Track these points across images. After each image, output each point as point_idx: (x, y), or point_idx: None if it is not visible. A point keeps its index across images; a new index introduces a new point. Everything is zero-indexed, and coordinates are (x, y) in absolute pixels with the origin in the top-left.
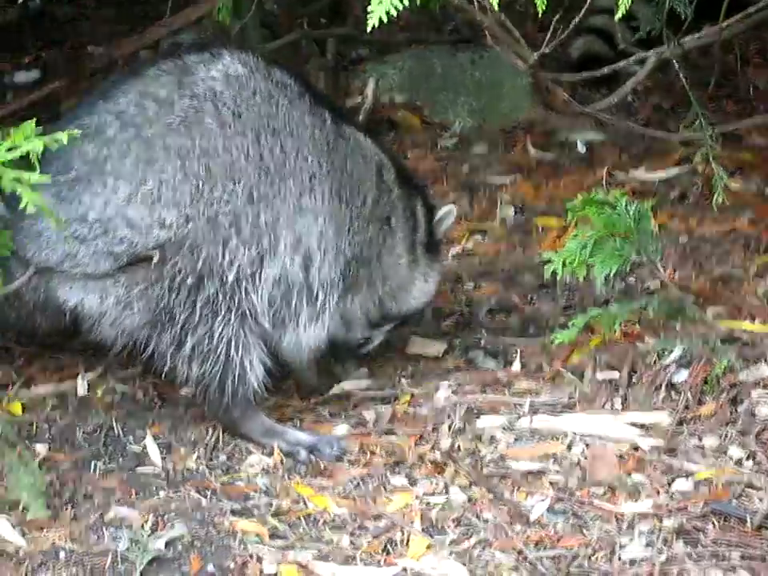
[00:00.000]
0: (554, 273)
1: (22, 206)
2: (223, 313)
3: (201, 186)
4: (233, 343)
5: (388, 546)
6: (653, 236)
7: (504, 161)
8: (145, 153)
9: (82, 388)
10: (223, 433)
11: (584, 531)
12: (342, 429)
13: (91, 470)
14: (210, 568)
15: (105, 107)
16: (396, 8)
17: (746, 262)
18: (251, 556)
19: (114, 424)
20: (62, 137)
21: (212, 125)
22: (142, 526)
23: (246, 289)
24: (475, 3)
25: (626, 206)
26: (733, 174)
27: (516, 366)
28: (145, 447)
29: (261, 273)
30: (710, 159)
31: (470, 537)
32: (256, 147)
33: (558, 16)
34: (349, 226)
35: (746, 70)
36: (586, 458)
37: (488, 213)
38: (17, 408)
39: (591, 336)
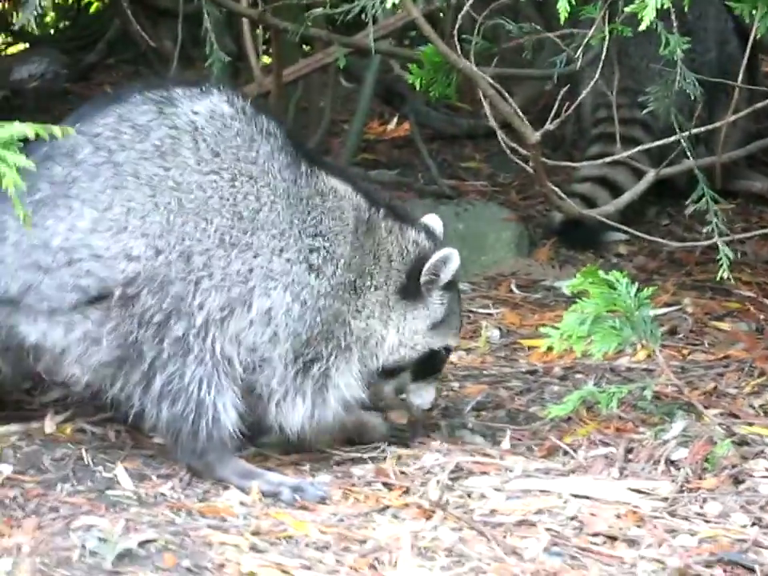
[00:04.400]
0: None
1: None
2: (195, 352)
3: (171, 218)
4: (204, 383)
5: (375, 564)
6: (652, 322)
7: (488, 297)
8: (113, 178)
9: (49, 426)
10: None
11: (582, 570)
12: (325, 477)
13: (58, 490)
14: (186, 563)
15: (80, 129)
16: None
17: (740, 383)
18: (228, 560)
19: (84, 454)
20: (56, 130)
21: (188, 158)
22: (112, 530)
23: (214, 335)
24: (478, 71)
25: (627, 286)
26: (723, 317)
27: (506, 445)
28: (116, 475)
29: (230, 323)
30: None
31: (463, 564)
32: (231, 190)
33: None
34: (315, 300)
35: None
36: (581, 513)
37: (472, 334)
38: None
39: (584, 425)
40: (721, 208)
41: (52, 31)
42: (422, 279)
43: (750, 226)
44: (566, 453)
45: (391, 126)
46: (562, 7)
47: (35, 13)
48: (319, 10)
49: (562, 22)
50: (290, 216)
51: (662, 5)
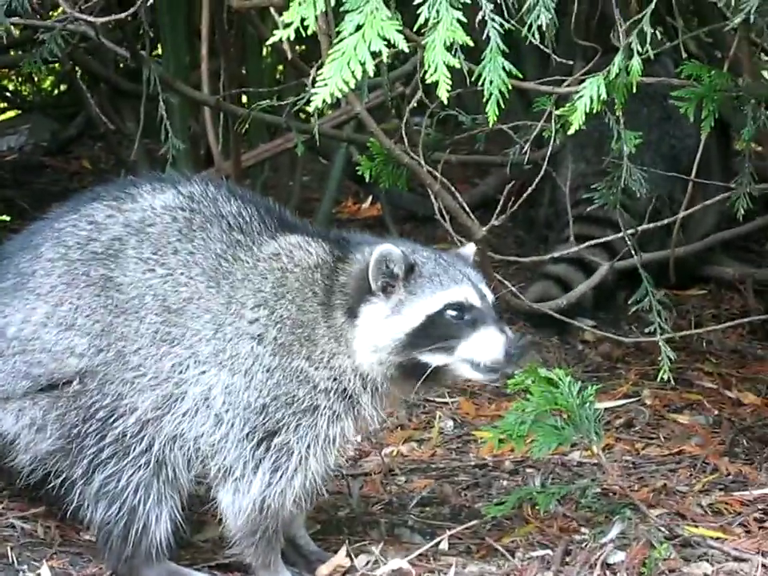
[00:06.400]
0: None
1: None
2: (134, 455)
3: (111, 318)
4: (141, 490)
5: None
6: (596, 420)
7: (445, 384)
8: (66, 275)
9: None
10: None
11: None
12: None
13: None
14: None
15: (52, 223)
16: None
17: (691, 480)
18: None
19: (9, 553)
20: None
21: (130, 259)
22: None
23: (153, 436)
24: (425, 167)
25: (570, 385)
26: (682, 410)
27: (444, 545)
28: (39, 575)
29: (167, 421)
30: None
31: None
32: (164, 286)
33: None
34: (261, 364)
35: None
36: None
37: (426, 425)
38: None
39: (526, 524)
40: (690, 294)
41: (46, 97)
42: (377, 286)
43: (719, 313)
44: (502, 555)
45: (365, 205)
46: (491, 111)
47: None
48: (265, 102)
49: (490, 125)
50: (227, 296)
51: (592, 109)
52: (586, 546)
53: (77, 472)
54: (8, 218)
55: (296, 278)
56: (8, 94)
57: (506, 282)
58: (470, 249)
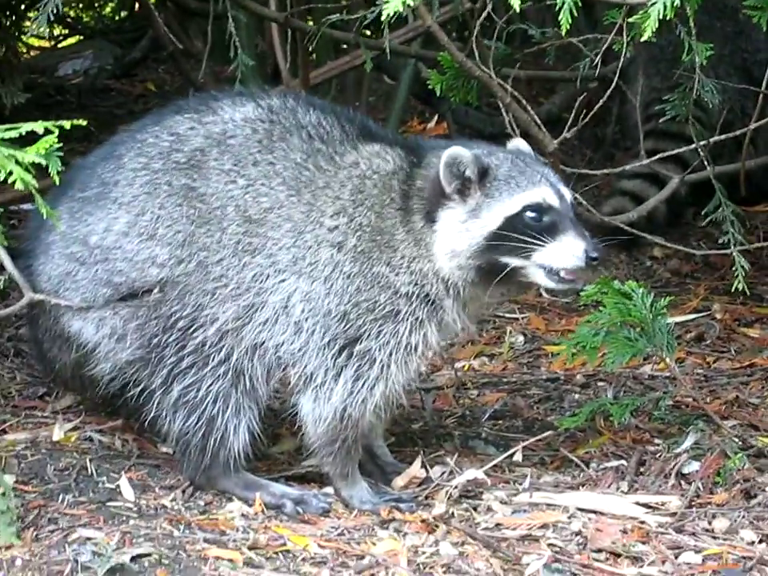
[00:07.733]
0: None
1: (10, 180)
2: (213, 365)
3: (193, 229)
4: (220, 400)
5: None
6: (669, 332)
7: (515, 301)
8: (148, 185)
9: (57, 434)
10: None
11: None
12: (330, 489)
13: (59, 501)
14: None
15: (135, 134)
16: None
17: (763, 392)
18: (221, 575)
19: (88, 464)
20: (65, 124)
21: (212, 170)
22: (107, 543)
23: (231, 346)
24: (496, 80)
25: (643, 297)
26: (752, 324)
27: (518, 456)
28: (118, 486)
29: (247, 331)
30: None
31: None
32: (245, 197)
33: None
34: (340, 270)
35: None
36: (587, 528)
37: (496, 340)
38: None
39: (599, 436)
40: (759, 210)
41: (107, 23)
42: (451, 189)
43: None
44: (577, 465)
45: (431, 124)
46: (564, 20)
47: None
48: (335, 16)
49: (563, 34)
50: (308, 204)
51: (666, 16)
52: (660, 456)
53: (156, 382)
54: (84, 122)
55: (374, 184)
56: (69, 20)
57: (577, 196)
58: (518, 142)
